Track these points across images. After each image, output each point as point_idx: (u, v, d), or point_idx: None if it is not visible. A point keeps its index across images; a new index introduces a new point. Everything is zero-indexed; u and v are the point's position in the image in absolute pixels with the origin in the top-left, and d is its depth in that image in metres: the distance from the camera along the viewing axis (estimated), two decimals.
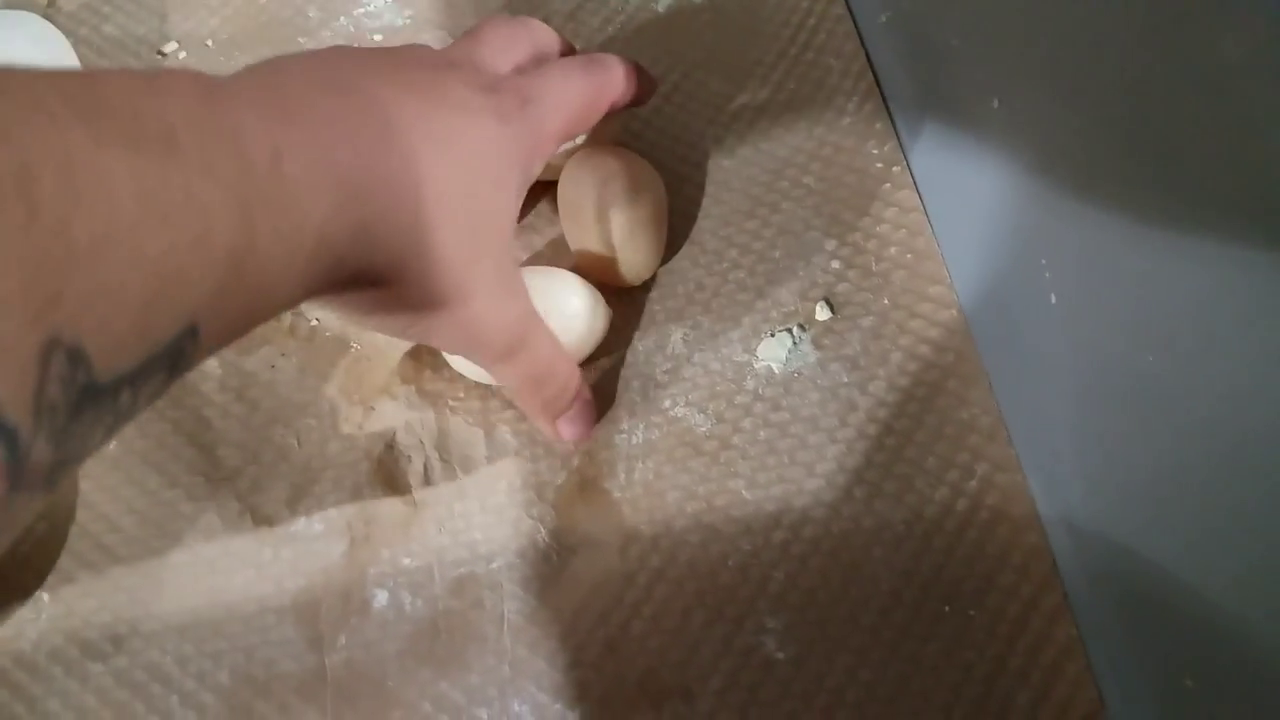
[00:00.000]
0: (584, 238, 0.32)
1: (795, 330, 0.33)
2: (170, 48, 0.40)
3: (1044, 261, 0.28)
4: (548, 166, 0.33)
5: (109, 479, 0.31)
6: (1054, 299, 0.28)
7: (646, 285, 0.34)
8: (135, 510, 0.31)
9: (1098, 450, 0.27)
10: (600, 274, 0.32)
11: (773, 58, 0.38)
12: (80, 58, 0.38)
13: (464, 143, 0.24)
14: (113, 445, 0.32)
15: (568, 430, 0.30)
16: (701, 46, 0.39)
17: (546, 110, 0.26)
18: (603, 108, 0.29)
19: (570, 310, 0.31)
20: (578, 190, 0.32)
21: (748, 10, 0.39)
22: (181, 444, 0.32)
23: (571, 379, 0.29)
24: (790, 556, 0.29)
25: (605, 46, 0.39)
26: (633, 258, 0.32)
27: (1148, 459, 0.24)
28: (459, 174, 0.23)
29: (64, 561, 0.30)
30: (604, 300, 0.32)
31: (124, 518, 0.31)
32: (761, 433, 0.31)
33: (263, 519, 0.31)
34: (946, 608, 0.28)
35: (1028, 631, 0.28)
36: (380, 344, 0.34)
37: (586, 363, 0.33)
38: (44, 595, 0.30)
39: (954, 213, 0.33)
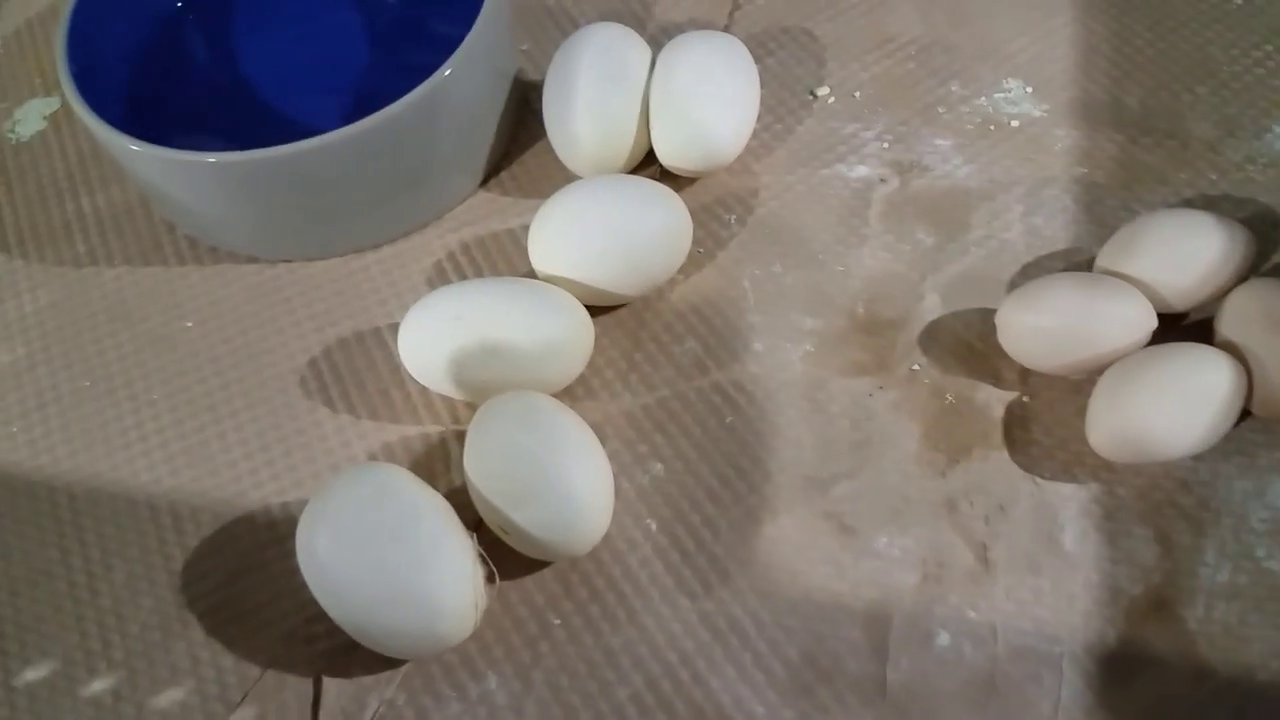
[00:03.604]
0: None
1: None
2: (823, 91, 0.45)
3: None
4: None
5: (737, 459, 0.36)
6: None
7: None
8: (730, 483, 0.36)
9: None
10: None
11: None
12: None
13: None
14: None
15: None
16: None
17: None
18: None
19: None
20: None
21: None
22: (782, 441, 0.36)
23: None
24: None
25: (1244, 184, 0.39)
26: None
27: None
28: None
29: (679, 501, 0.36)
30: None
31: (723, 491, 0.36)
32: None
33: (848, 528, 0.34)
34: None
35: None
36: (978, 403, 0.36)
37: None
38: (651, 524, 0.35)
39: None
